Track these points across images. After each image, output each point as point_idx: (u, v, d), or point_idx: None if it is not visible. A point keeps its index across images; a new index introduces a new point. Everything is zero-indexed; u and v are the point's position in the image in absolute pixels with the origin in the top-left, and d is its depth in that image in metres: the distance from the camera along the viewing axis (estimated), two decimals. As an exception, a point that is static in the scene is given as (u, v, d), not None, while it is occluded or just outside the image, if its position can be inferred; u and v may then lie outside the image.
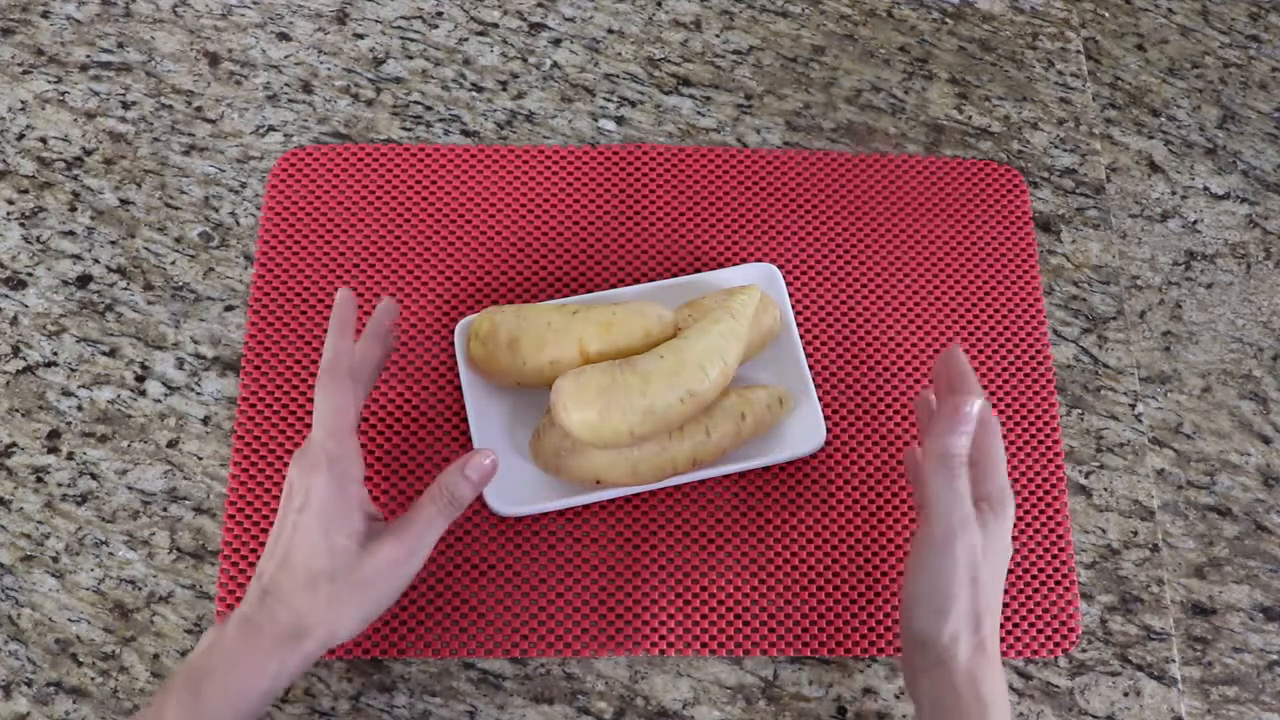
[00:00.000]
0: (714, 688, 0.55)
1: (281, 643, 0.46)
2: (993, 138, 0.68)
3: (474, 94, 0.67)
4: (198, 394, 0.59)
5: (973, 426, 0.48)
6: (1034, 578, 0.58)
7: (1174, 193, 0.68)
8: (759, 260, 0.64)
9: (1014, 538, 0.58)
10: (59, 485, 0.57)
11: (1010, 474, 0.60)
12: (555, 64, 0.68)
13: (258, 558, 0.55)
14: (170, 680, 0.46)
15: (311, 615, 0.46)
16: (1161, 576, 0.59)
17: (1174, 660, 0.57)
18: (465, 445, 0.58)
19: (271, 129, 0.65)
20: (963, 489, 0.48)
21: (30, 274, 0.62)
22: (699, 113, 0.68)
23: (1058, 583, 0.58)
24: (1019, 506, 0.59)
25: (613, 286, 0.62)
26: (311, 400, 0.59)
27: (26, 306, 0.61)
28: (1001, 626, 0.57)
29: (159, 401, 0.59)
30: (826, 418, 0.60)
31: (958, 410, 0.48)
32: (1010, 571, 0.58)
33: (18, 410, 0.59)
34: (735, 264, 0.63)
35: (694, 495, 0.58)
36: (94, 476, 0.58)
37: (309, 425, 0.58)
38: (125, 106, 0.66)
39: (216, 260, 0.62)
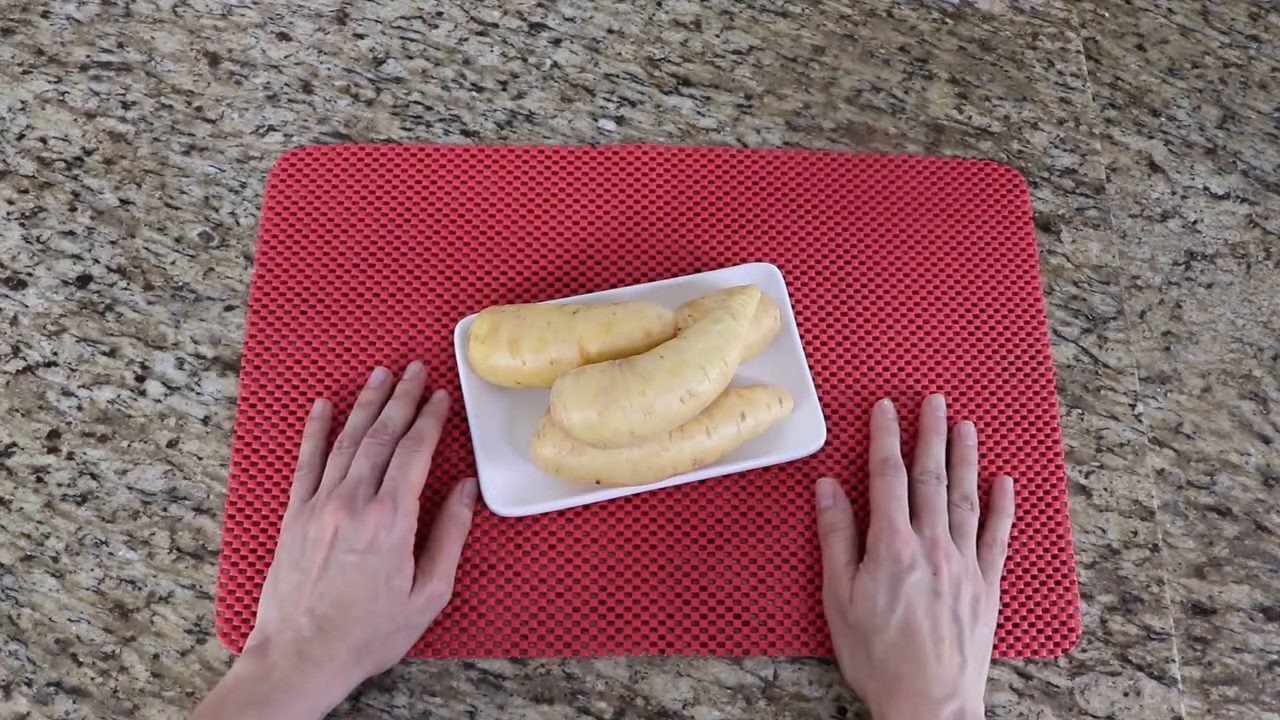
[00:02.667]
0: (714, 688, 0.56)
1: (336, 676, 0.49)
2: (993, 138, 0.68)
3: (474, 94, 0.67)
4: (198, 394, 0.59)
5: (826, 500, 0.58)
6: (1034, 578, 0.58)
7: (1174, 193, 0.68)
8: (759, 260, 0.64)
9: (1015, 538, 0.58)
10: (59, 485, 0.57)
11: (1010, 474, 0.60)
12: (555, 64, 0.68)
13: (258, 558, 0.56)
14: (203, 710, 0.47)
15: (371, 650, 0.50)
16: (1161, 576, 0.59)
17: (1174, 660, 0.57)
18: (465, 445, 0.58)
19: (271, 129, 0.65)
20: (834, 550, 0.56)
21: (30, 274, 0.62)
22: (699, 113, 0.68)
23: (1058, 583, 0.58)
24: (1019, 506, 0.59)
25: (613, 286, 0.62)
26: (312, 401, 0.59)
27: (26, 306, 0.61)
28: (1001, 627, 0.57)
29: (159, 401, 0.59)
30: (826, 418, 0.60)
31: (816, 490, 0.58)
32: (1011, 572, 0.58)
33: (18, 410, 0.59)
34: (735, 264, 0.63)
35: (694, 495, 0.58)
36: (94, 476, 0.58)
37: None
38: (125, 106, 0.66)
39: (216, 260, 0.62)
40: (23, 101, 0.65)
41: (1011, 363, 0.63)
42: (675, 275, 0.63)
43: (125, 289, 0.61)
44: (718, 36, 0.70)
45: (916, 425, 0.60)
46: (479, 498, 0.57)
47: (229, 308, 0.61)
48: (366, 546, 0.50)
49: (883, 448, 0.58)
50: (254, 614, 0.54)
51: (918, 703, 0.49)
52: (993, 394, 0.62)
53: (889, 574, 0.52)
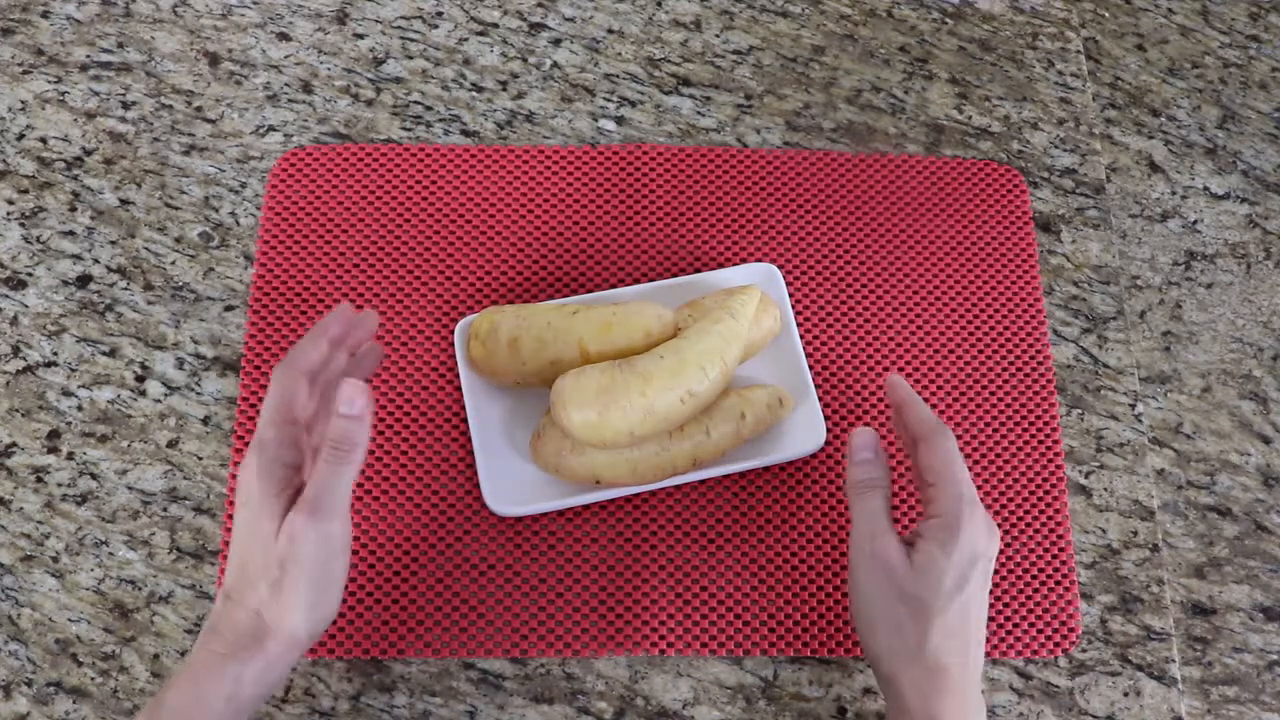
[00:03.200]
0: (714, 688, 0.56)
1: (241, 646, 0.44)
2: (993, 138, 0.68)
3: (474, 94, 0.67)
4: (198, 394, 0.59)
5: (866, 453, 0.49)
6: (1034, 578, 0.58)
7: (1174, 193, 0.68)
8: (759, 260, 0.64)
9: (1015, 538, 0.58)
10: (59, 485, 0.57)
11: (1010, 474, 0.60)
12: (555, 64, 0.68)
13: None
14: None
15: (265, 611, 0.44)
16: (1161, 576, 0.59)
17: (1174, 660, 0.57)
18: (465, 445, 0.58)
19: (271, 129, 0.65)
20: (873, 506, 0.48)
21: (30, 274, 0.62)
22: (699, 113, 0.68)
23: (1058, 583, 0.58)
24: (1019, 506, 0.59)
25: (613, 286, 0.62)
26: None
27: (26, 306, 0.61)
28: (1001, 627, 0.57)
29: (159, 401, 0.59)
30: (826, 418, 0.60)
31: (850, 441, 0.50)
32: (1011, 572, 0.58)
33: (18, 410, 0.59)
34: (735, 264, 0.63)
35: (694, 495, 0.58)
36: (94, 476, 0.58)
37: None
38: (125, 106, 0.66)
39: (216, 260, 0.62)
40: (23, 101, 0.65)
41: (1011, 363, 0.63)
42: (675, 275, 0.63)
43: (125, 289, 0.61)
44: (718, 36, 0.70)
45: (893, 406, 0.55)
46: (361, 413, 0.46)
47: (229, 308, 0.61)
48: (242, 497, 0.45)
49: (924, 409, 0.50)
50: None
51: (968, 699, 0.46)
52: (993, 394, 0.62)
53: (968, 554, 0.46)
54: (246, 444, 0.58)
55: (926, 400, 0.61)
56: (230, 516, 0.57)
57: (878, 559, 0.47)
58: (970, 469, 0.60)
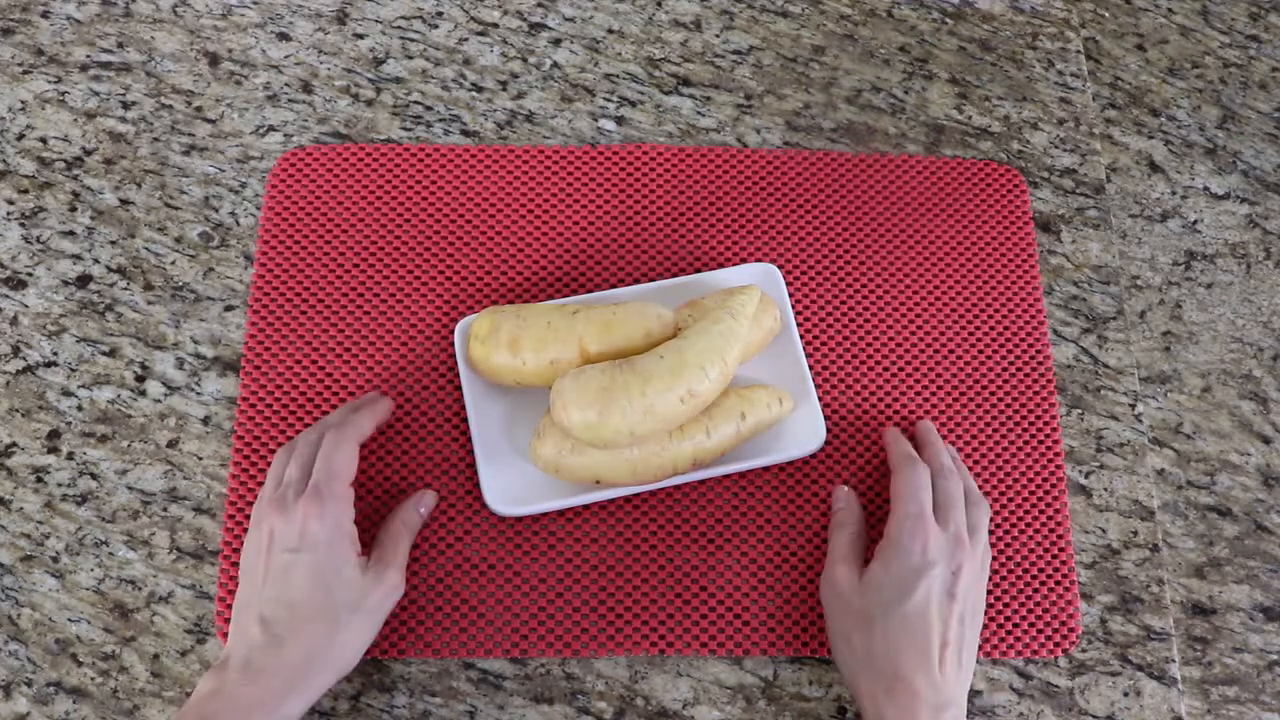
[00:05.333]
0: (714, 688, 0.55)
1: (292, 684, 0.47)
2: (993, 138, 0.68)
3: (474, 94, 0.67)
4: (198, 394, 0.59)
5: (840, 503, 0.57)
6: (1034, 578, 0.58)
7: (1174, 193, 0.68)
8: (759, 260, 0.64)
9: (1015, 538, 0.58)
10: (59, 485, 0.57)
11: (1010, 474, 0.60)
12: (555, 64, 0.68)
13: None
14: None
15: (324, 649, 0.48)
16: (1161, 576, 0.59)
17: (1174, 660, 0.57)
18: (465, 445, 0.58)
19: (271, 129, 0.65)
20: (839, 538, 0.55)
21: (30, 274, 0.62)
22: (699, 113, 0.68)
23: (1058, 583, 0.58)
24: (1019, 506, 0.59)
25: (613, 286, 0.62)
26: (311, 400, 0.59)
27: (26, 306, 0.61)
28: (1001, 627, 0.57)
29: (159, 401, 0.59)
30: (826, 418, 0.60)
31: (833, 496, 0.58)
32: (1011, 572, 0.58)
33: (18, 410, 0.59)
34: (735, 264, 0.63)
35: (694, 495, 0.58)
36: (94, 476, 0.58)
37: (309, 426, 0.58)
38: (125, 106, 0.66)
39: (216, 260, 0.62)
40: (23, 101, 0.65)
41: (1011, 363, 0.63)
42: (675, 275, 0.63)
43: (125, 289, 0.61)
44: (718, 36, 0.70)
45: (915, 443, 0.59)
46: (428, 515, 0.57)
47: (229, 308, 0.61)
48: (299, 542, 0.49)
49: (903, 445, 0.57)
50: (254, 614, 0.54)
51: (917, 707, 0.48)
52: (993, 394, 0.62)
53: (909, 566, 0.51)
54: (247, 444, 0.58)
55: (927, 400, 0.61)
56: (230, 518, 0.57)
57: (830, 583, 0.54)
58: (970, 469, 0.60)
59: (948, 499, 0.54)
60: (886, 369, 0.62)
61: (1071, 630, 0.57)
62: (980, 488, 0.59)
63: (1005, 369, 0.62)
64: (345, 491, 0.51)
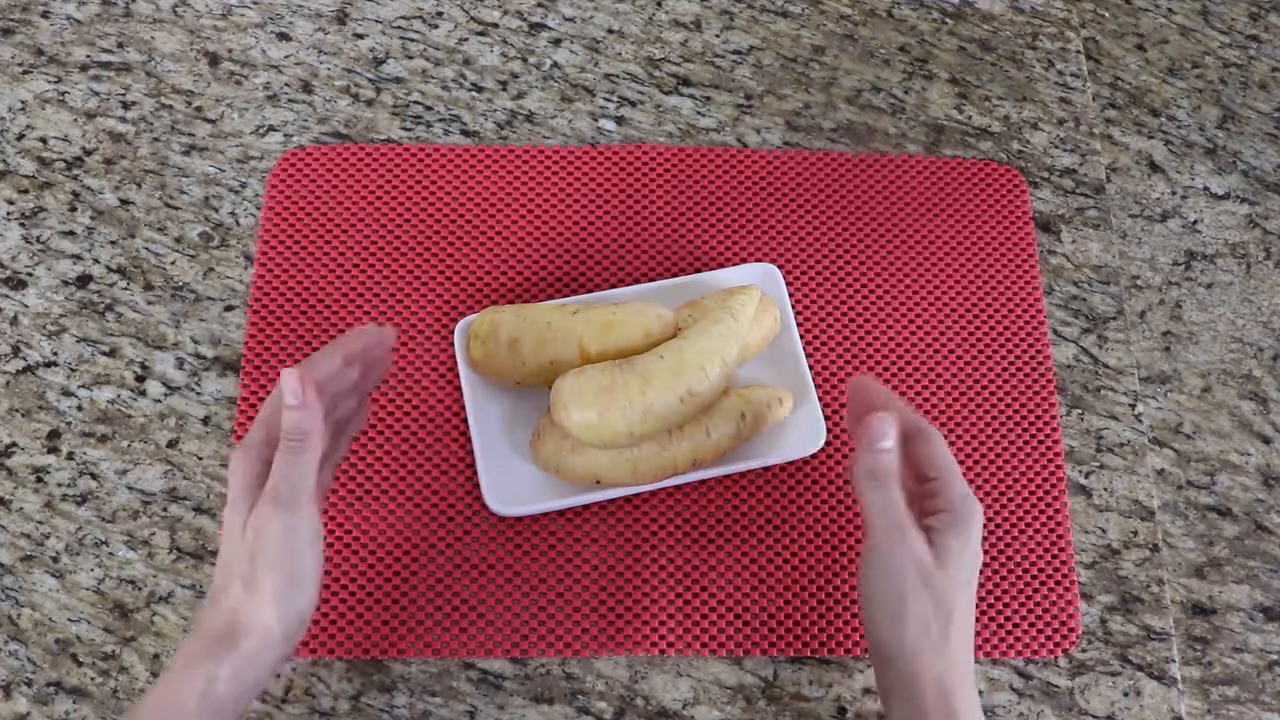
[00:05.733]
0: (714, 688, 0.56)
1: (216, 644, 0.44)
2: (993, 138, 0.68)
3: (474, 94, 0.67)
4: (198, 394, 0.59)
5: (888, 441, 0.47)
6: (1034, 578, 0.58)
7: (1174, 193, 0.68)
8: (759, 260, 0.64)
9: (1015, 538, 0.58)
10: (59, 485, 0.57)
11: (1010, 474, 0.60)
12: (555, 64, 0.68)
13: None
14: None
15: (241, 608, 0.44)
16: (1161, 576, 0.59)
17: (1174, 660, 0.57)
18: (465, 445, 0.58)
19: (271, 129, 0.65)
20: (894, 496, 0.47)
21: (30, 274, 0.62)
22: (699, 113, 0.68)
23: (1058, 583, 0.58)
24: (1019, 506, 0.59)
25: (613, 286, 0.62)
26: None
27: (26, 306, 0.61)
28: (1001, 627, 0.57)
29: (159, 401, 0.59)
30: (826, 418, 0.60)
31: (869, 428, 0.47)
32: (1011, 572, 0.58)
33: (18, 410, 0.59)
34: (735, 264, 0.63)
35: (694, 495, 0.58)
36: (94, 476, 0.58)
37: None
38: (125, 106, 0.66)
39: (216, 260, 0.62)
40: (23, 101, 0.65)
41: (1011, 363, 0.63)
42: (675, 275, 0.63)
43: (125, 289, 0.61)
44: (718, 36, 0.70)
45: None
46: (308, 400, 0.45)
47: (229, 308, 0.61)
48: (229, 499, 0.46)
49: (905, 412, 0.50)
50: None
51: (975, 703, 0.46)
52: (993, 394, 0.62)
53: (975, 548, 0.47)
54: (246, 444, 0.58)
55: (927, 400, 0.61)
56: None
57: (908, 551, 0.46)
58: (970, 469, 0.60)
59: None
60: (886, 369, 0.62)
61: (1071, 630, 0.57)
62: (980, 488, 0.59)
63: (1005, 369, 0.62)
64: (260, 434, 0.45)
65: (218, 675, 0.44)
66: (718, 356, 0.53)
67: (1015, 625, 0.57)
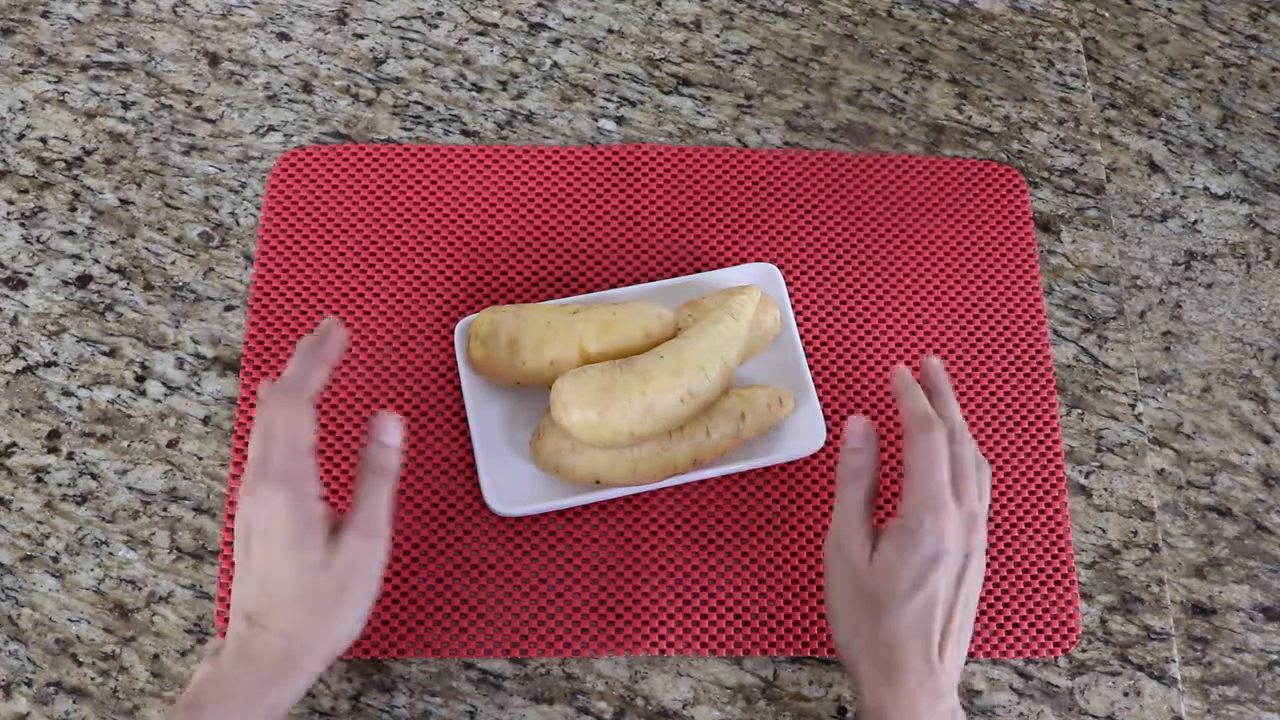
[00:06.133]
0: (714, 688, 0.55)
1: (281, 669, 0.46)
2: (993, 138, 0.68)
3: (474, 94, 0.67)
4: (198, 394, 0.59)
5: (854, 442, 0.50)
6: (1034, 578, 0.58)
7: (1174, 193, 0.68)
8: (759, 260, 0.64)
9: (1015, 538, 0.58)
10: (59, 485, 0.57)
11: (1010, 474, 0.60)
12: (555, 64, 0.68)
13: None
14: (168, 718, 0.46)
15: (306, 634, 0.47)
16: (1161, 576, 0.59)
17: (1174, 660, 0.57)
18: (465, 445, 0.58)
19: (271, 129, 0.65)
20: (849, 496, 0.49)
21: (30, 274, 0.62)
22: (699, 113, 0.68)
23: (1058, 583, 0.58)
24: (1019, 506, 0.59)
25: (613, 286, 0.62)
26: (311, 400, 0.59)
27: (26, 306, 0.61)
28: (1001, 627, 0.57)
29: (159, 401, 0.59)
30: (826, 418, 0.60)
31: (845, 428, 0.51)
32: (1010, 572, 0.58)
33: (18, 410, 0.59)
34: (735, 264, 0.63)
35: (694, 495, 0.58)
36: (94, 476, 0.58)
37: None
38: (125, 106, 0.66)
39: (216, 260, 0.62)
40: (23, 101, 0.65)
41: (1011, 363, 0.63)
42: (675, 275, 0.63)
43: (125, 289, 0.61)
44: (718, 36, 0.70)
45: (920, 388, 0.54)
46: (400, 442, 0.50)
47: (229, 308, 0.61)
48: (267, 525, 0.46)
49: (918, 402, 0.50)
50: (254, 614, 0.54)
51: (919, 697, 0.46)
52: (993, 394, 0.62)
53: (925, 554, 0.47)
54: (247, 444, 0.58)
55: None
56: (230, 518, 0.57)
57: (842, 553, 0.49)
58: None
59: (962, 469, 0.49)
60: (886, 369, 0.62)
61: (1071, 630, 0.57)
62: None
63: (1005, 369, 0.62)
64: (304, 465, 0.47)
65: (283, 699, 0.46)
66: (718, 356, 0.53)
67: (1015, 625, 0.57)
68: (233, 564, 0.56)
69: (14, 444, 0.58)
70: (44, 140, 0.65)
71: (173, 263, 0.62)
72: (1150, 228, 0.67)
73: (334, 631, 0.47)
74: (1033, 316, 0.64)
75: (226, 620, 0.54)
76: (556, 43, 0.69)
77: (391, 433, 0.49)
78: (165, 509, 0.57)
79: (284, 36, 0.68)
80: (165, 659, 0.54)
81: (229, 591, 0.55)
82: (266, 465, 0.46)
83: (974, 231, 0.66)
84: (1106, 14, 0.73)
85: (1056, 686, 0.57)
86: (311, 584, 0.47)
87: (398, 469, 0.50)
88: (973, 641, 0.56)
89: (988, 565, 0.58)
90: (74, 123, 0.65)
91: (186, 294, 0.61)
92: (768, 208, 0.65)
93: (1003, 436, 0.61)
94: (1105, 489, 0.61)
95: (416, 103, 0.67)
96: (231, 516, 0.57)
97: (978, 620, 0.57)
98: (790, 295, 0.63)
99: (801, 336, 0.62)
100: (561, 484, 0.56)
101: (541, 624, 0.56)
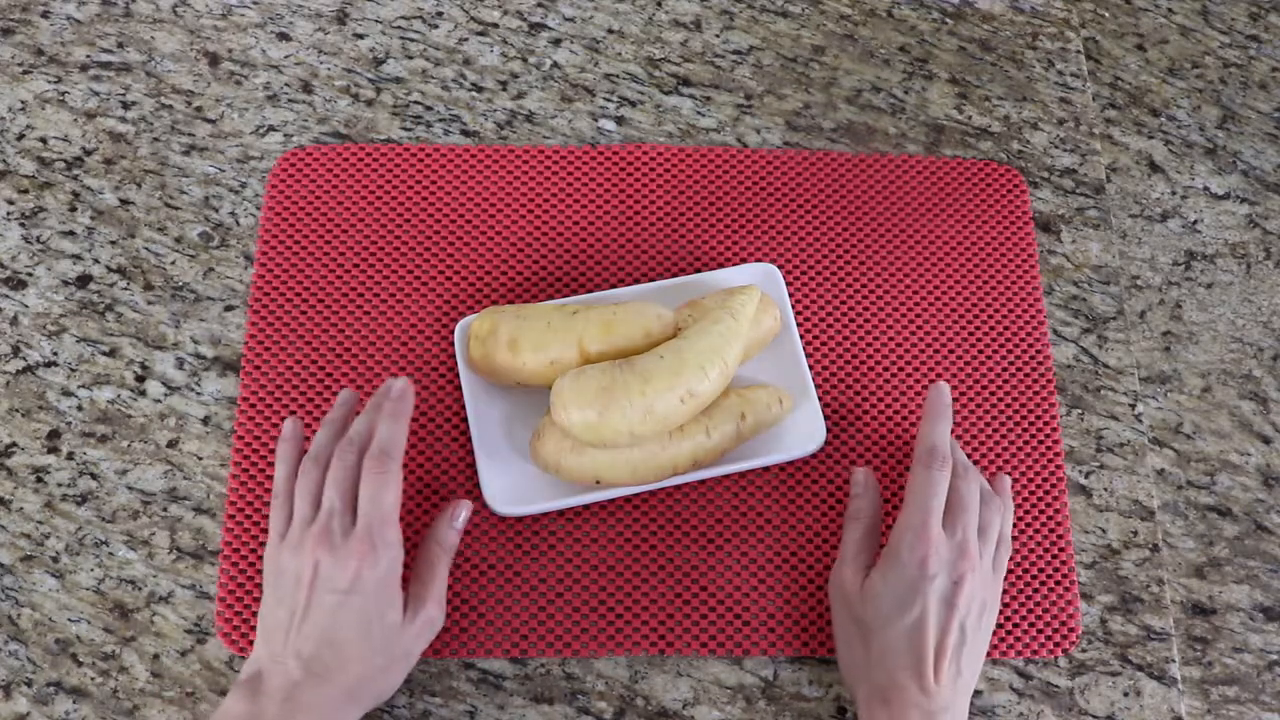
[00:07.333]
0: (714, 688, 0.55)
1: (332, 716, 0.48)
2: (993, 138, 0.68)
3: (474, 94, 0.67)
4: (198, 394, 0.59)
5: (857, 488, 0.56)
6: (1034, 578, 0.58)
7: (1174, 193, 0.68)
8: (759, 260, 0.64)
9: (1015, 538, 0.58)
10: (59, 485, 0.57)
11: (1010, 474, 0.60)
12: (555, 64, 0.68)
13: (258, 558, 0.56)
14: None
15: (367, 686, 0.49)
16: (1161, 576, 0.59)
17: (1174, 660, 0.57)
18: (465, 445, 0.58)
19: (271, 129, 0.65)
20: (849, 534, 0.54)
21: (30, 274, 0.62)
22: (699, 113, 0.68)
23: (1058, 583, 0.58)
24: (1019, 506, 0.59)
25: (613, 286, 0.62)
26: (311, 400, 0.59)
27: (26, 306, 0.61)
28: (1001, 627, 0.57)
29: (159, 401, 0.59)
30: (826, 418, 0.60)
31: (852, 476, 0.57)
32: (1011, 572, 0.58)
33: (18, 410, 0.59)
34: (735, 264, 0.63)
35: (694, 495, 0.58)
36: (94, 476, 0.58)
37: (308, 427, 0.58)
38: (125, 106, 0.66)
39: (216, 260, 0.62)
40: (23, 101, 0.65)
41: (1011, 363, 0.63)
42: (675, 275, 0.63)
43: (125, 289, 0.61)
44: (718, 36, 0.70)
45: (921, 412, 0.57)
46: (473, 508, 0.56)
47: (229, 308, 0.61)
48: (350, 586, 0.48)
49: (934, 434, 0.53)
50: (254, 614, 0.54)
51: (910, 716, 0.48)
52: (993, 394, 0.62)
53: (909, 578, 0.50)
54: (247, 444, 0.58)
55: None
56: (230, 518, 0.57)
57: (837, 584, 0.54)
58: (970, 469, 0.60)
59: (960, 502, 0.52)
60: (886, 369, 0.62)
61: (1071, 630, 0.57)
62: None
63: (1005, 369, 0.62)
64: (396, 536, 0.49)
65: None
66: (718, 356, 0.53)
67: (1015, 625, 0.57)
68: (234, 565, 0.56)
69: (14, 444, 0.58)
70: (44, 140, 0.65)
71: (173, 263, 0.62)
72: (1150, 228, 0.67)
73: (387, 689, 0.51)
74: (1033, 316, 0.64)
75: (226, 620, 0.54)
76: (556, 43, 0.69)
77: (463, 518, 0.54)
78: (165, 509, 0.57)
79: (284, 36, 0.68)
80: (165, 659, 0.54)
81: (229, 592, 0.55)
82: (367, 530, 0.48)
83: (974, 231, 0.66)
84: (1106, 14, 0.73)
85: (1056, 686, 0.57)
86: (384, 644, 0.49)
87: (456, 547, 0.54)
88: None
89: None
90: (74, 123, 0.65)
91: (186, 294, 0.61)
92: (768, 208, 0.65)
93: (1003, 436, 0.61)
94: (1105, 489, 0.61)
95: (416, 103, 0.67)
96: (232, 516, 0.57)
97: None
98: (790, 295, 0.63)
99: (801, 336, 0.62)
100: (561, 484, 0.56)
101: (541, 624, 0.56)
